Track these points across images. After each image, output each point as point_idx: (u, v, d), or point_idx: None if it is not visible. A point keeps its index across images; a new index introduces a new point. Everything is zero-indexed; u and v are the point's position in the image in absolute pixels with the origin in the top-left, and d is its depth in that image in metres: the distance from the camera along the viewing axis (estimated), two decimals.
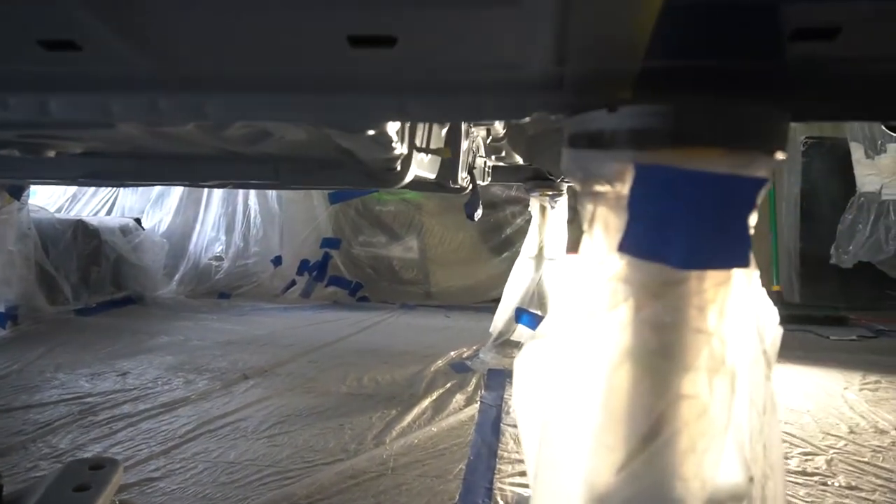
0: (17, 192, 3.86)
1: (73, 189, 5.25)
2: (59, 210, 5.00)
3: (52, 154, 1.08)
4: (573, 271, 0.66)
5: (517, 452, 2.07)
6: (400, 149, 1.02)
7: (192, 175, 1.34)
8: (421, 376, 2.89)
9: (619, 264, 0.62)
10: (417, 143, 1.21)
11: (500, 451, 2.09)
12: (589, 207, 0.64)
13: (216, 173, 1.32)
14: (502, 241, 5.00)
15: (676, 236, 0.59)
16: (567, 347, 0.65)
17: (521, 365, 0.74)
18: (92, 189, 5.25)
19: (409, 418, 2.35)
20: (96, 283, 4.55)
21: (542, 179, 3.25)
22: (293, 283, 4.99)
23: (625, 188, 0.60)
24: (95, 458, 1.45)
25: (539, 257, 3.27)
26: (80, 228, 4.49)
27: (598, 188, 0.63)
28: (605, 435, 0.63)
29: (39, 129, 0.88)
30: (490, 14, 0.53)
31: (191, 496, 1.77)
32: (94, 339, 3.61)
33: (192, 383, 2.81)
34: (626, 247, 0.61)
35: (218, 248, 5.15)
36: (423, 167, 1.41)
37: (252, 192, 4.98)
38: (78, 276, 4.41)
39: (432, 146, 1.47)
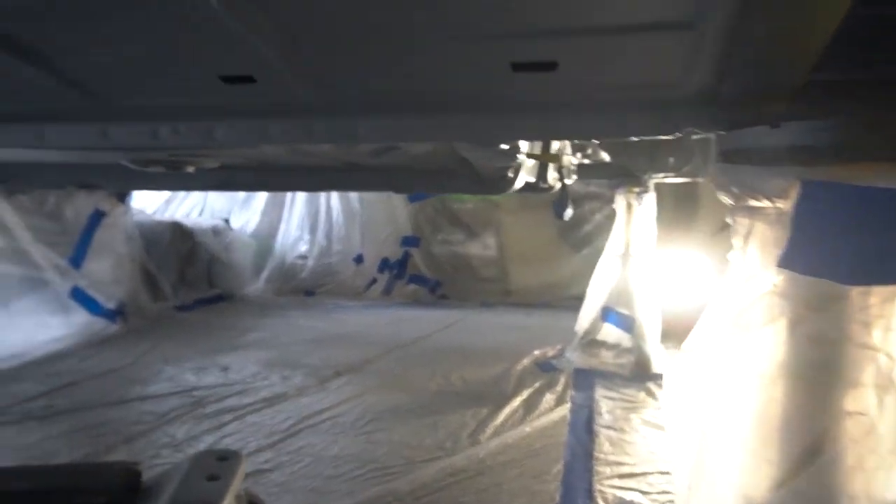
0: (123, 195, 4.13)
1: (167, 194, 5.56)
2: (155, 212, 5.30)
3: (191, 170, 1.17)
4: (725, 286, 0.66)
5: (613, 454, 2.06)
6: (521, 158, 1.05)
7: (314, 185, 1.40)
8: (508, 375, 2.90)
9: (778, 279, 0.62)
10: (527, 149, 1.23)
11: (595, 453, 2.08)
12: (744, 223, 0.64)
13: (336, 183, 1.37)
14: (582, 237, 4.94)
15: (842, 252, 0.58)
16: (721, 361, 0.65)
17: (674, 377, 0.75)
18: (183, 193, 5.53)
19: (501, 417, 2.38)
20: (192, 282, 4.81)
21: (628, 176, 3.19)
22: (374, 280, 5.11)
23: (786, 204, 0.60)
24: (220, 451, 1.54)
25: (626, 255, 3.22)
26: (177, 230, 4.76)
27: (755, 203, 0.63)
28: (763, 449, 0.63)
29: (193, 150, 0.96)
30: (659, 37, 0.55)
31: (301, 488, 1.86)
32: (193, 335, 3.82)
33: (289, 379, 2.93)
34: (786, 262, 0.61)
35: (303, 248, 5.33)
36: (528, 172, 1.43)
37: (334, 192, 5.12)
38: (176, 275, 4.67)
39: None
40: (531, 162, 1.34)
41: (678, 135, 0.66)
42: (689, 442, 0.70)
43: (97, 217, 3.96)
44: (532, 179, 1.57)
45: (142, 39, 0.75)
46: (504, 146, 0.86)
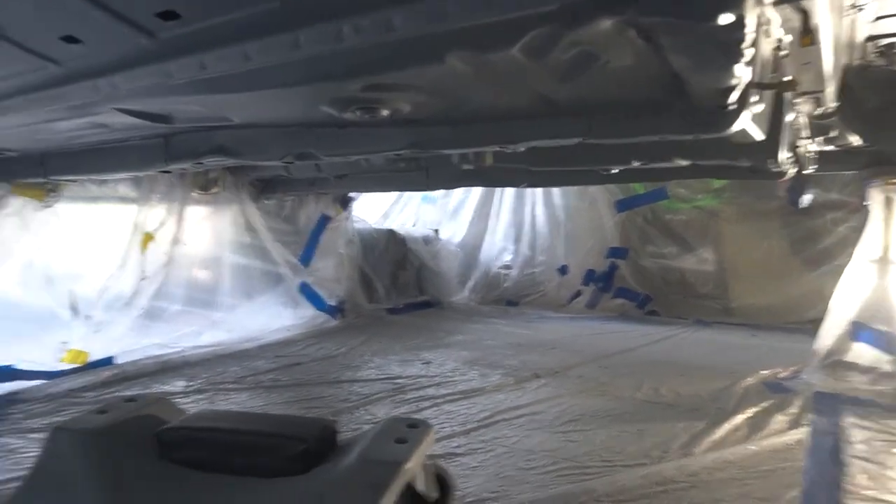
0: (346, 203, 4.52)
1: (386, 206, 5.97)
2: (374, 223, 5.72)
3: (385, 113, 1.17)
4: None
5: (873, 489, 1.66)
6: (743, 72, 0.86)
7: (505, 137, 1.34)
8: (729, 392, 2.54)
9: None
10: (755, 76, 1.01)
11: (845, 485, 1.69)
12: None
13: (528, 133, 1.29)
14: (818, 252, 4.23)
15: None
16: None
17: None
18: (400, 204, 5.90)
19: (720, 433, 2.07)
20: (403, 287, 5.08)
21: (885, 164, 2.65)
22: (578, 293, 4.93)
23: None
24: (411, 419, 1.54)
25: (884, 261, 2.66)
26: (392, 237, 5.08)
27: None
28: None
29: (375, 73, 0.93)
30: None
31: (491, 475, 1.78)
32: (401, 333, 4.00)
33: (487, 376, 2.90)
34: None
35: (507, 258, 5.35)
36: (754, 119, 1.20)
37: (539, 200, 5.07)
38: (389, 279, 4.97)
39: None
40: (757, 107, 1.11)
41: None
42: None
43: (324, 221, 4.37)
44: (758, 135, 1.32)
45: None
46: (725, 17, 0.70)
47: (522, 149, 1.48)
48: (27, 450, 2.02)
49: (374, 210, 5.76)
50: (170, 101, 1.23)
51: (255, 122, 1.46)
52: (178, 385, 2.80)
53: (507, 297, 5.19)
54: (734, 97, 0.97)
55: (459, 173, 2.81)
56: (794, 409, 2.30)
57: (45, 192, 2.80)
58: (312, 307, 4.17)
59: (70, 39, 0.91)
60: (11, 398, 2.53)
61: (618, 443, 2.02)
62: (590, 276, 4.91)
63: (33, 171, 2.36)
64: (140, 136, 1.77)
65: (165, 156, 1.79)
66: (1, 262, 2.80)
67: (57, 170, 2.29)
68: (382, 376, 2.93)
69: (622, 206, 4.75)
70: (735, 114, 1.02)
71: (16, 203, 2.74)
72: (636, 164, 1.92)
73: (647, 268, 4.78)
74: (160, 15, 0.86)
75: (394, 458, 1.29)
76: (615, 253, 4.82)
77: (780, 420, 2.20)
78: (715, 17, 0.72)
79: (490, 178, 3.01)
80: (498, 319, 4.55)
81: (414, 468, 1.34)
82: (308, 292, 4.15)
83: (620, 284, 4.81)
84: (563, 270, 5.06)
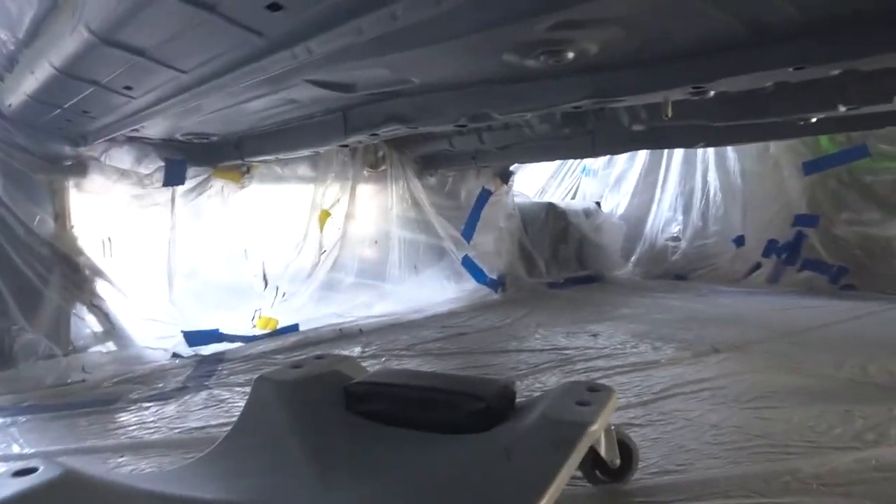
0: (506, 177, 4.51)
1: (543, 180, 5.89)
2: (533, 196, 5.66)
3: (570, 56, 1.12)
4: None
5: None
6: None
7: (700, 76, 1.22)
8: None
9: None
10: None
11: None
12: None
13: (728, 68, 1.17)
14: None
15: None
16: None
17: None
18: (559, 178, 5.79)
19: None
20: (563, 261, 4.99)
21: None
22: (758, 265, 4.50)
23: None
24: (592, 382, 1.49)
25: None
26: (552, 211, 4.99)
27: None
28: None
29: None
30: None
31: (674, 447, 1.68)
32: (564, 307, 3.94)
33: (660, 350, 2.75)
34: None
35: (675, 229, 5.03)
36: None
37: (712, 165, 4.69)
38: (550, 253, 4.90)
39: None
40: None
41: None
42: None
43: (485, 195, 4.41)
44: None
45: None
46: None
47: (713, 93, 1.35)
48: (234, 400, 2.27)
49: (531, 184, 5.71)
50: (356, 67, 1.28)
51: (434, 84, 1.48)
52: (355, 351, 2.99)
53: (674, 270, 4.89)
54: None
55: (628, 136, 2.67)
56: None
57: (241, 174, 3.10)
58: (474, 280, 4.24)
59: (274, 7, 0.98)
60: (219, 357, 2.85)
61: (820, 423, 1.81)
62: (771, 247, 4.45)
63: (231, 154, 2.62)
64: (322, 110, 1.88)
65: (345, 129, 1.89)
66: (207, 239, 3.17)
67: (251, 151, 2.52)
68: (549, 347, 2.90)
69: (811, 167, 4.24)
70: None
71: (217, 184, 3.08)
72: (843, 108, 1.68)
73: (843, 237, 4.23)
74: None
75: (579, 419, 1.25)
76: (803, 221, 4.32)
77: None
78: None
79: (662, 139, 2.82)
80: (666, 294, 4.31)
81: (599, 431, 1.30)
82: (470, 266, 4.22)
83: (809, 256, 4.31)
84: (739, 241, 4.65)
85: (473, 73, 1.39)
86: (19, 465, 1.02)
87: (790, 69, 1.13)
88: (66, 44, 1.31)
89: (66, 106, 1.87)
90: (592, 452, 1.35)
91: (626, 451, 1.46)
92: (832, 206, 4.27)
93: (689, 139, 2.78)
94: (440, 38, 1.09)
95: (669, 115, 1.61)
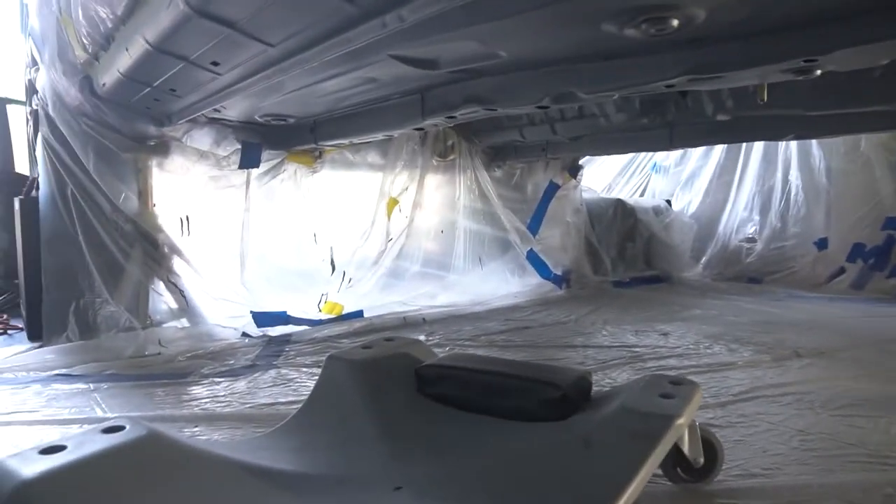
0: (575, 171, 4.42)
1: (611, 176, 5.75)
2: (601, 192, 5.53)
3: (675, 24, 1.06)
4: None
5: None
6: None
7: (813, 47, 1.13)
8: None
9: None
10: None
11: None
12: None
13: (847, 38, 1.07)
14: None
15: None
16: None
17: None
18: (627, 174, 5.64)
19: None
20: (630, 259, 4.85)
21: None
22: (842, 270, 4.25)
23: None
24: (674, 376, 1.42)
25: None
26: (620, 207, 4.86)
27: None
28: None
29: None
30: None
31: (758, 450, 1.59)
32: (630, 305, 3.82)
33: (736, 352, 2.63)
34: None
35: (750, 230, 4.81)
36: None
37: (794, 163, 4.45)
38: (616, 251, 4.78)
39: None
40: None
41: None
42: None
43: (552, 189, 4.33)
44: None
45: None
46: None
47: (819, 72, 1.25)
48: (301, 380, 2.29)
49: (599, 180, 5.58)
50: (445, 38, 1.25)
51: (522, 59, 1.43)
52: (419, 339, 2.98)
53: (748, 273, 4.68)
54: None
55: (710, 127, 2.55)
56: None
57: (314, 158, 3.15)
58: (538, 275, 4.17)
59: None
60: (286, 339, 2.90)
61: None
62: (858, 251, 4.19)
63: (305, 138, 2.65)
64: (400, 91, 1.87)
65: (422, 111, 1.88)
66: (279, 223, 3.23)
67: (325, 135, 2.54)
68: (617, 344, 2.81)
69: None
70: None
71: (290, 168, 3.13)
72: None
73: None
74: None
75: (663, 412, 1.19)
76: (894, 224, 4.05)
77: None
78: None
79: (746, 131, 2.67)
80: (739, 296, 4.12)
81: (684, 425, 1.24)
82: (535, 260, 4.16)
83: None
84: (821, 244, 4.40)
85: (565, 47, 1.34)
86: (107, 423, 1.06)
87: None
88: (162, 18, 1.34)
89: (155, 84, 1.93)
90: (675, 449, 1.29)
91: (711, 449, 1.38)
92: None
93: (778, 131, 2.62)
94: (539, 2, 1.05)
95: (765, 98, 1.51)
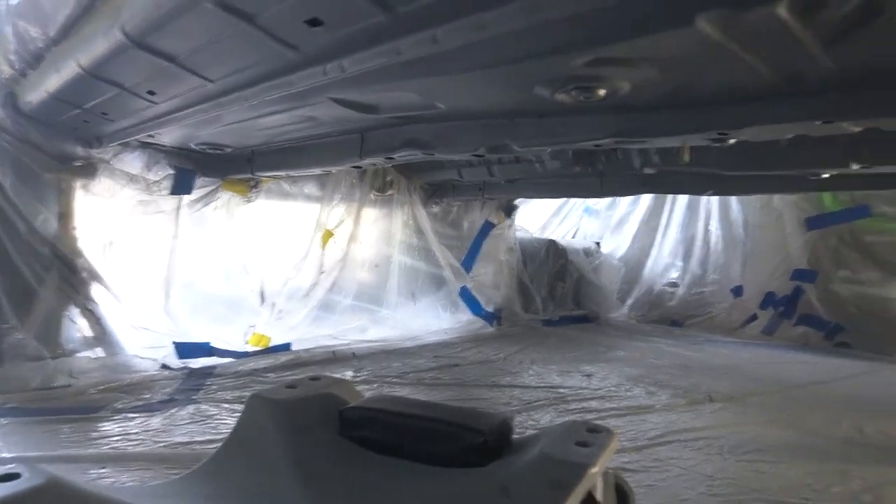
0: (510, 211, 4.53)
1: (545, 217, 5.90)
2: (534, 232, 5.67)
3: (601, 93, 1.13)
4: None
5: None
6: None
7: (727, 122, 1.23)
8: None
9: None
10: None
11: None
12: None
13: (758, 116, 1.18)
14: None
15: None
16: None
17: None
18: (561, 216, 5.81)
19: None
20: (560, 298, 4.97)
21: None
22: (754, 317, 4.50)
23: None
24: (591, 423, 1.47)
25: None
26: (552, 248, 4.99)
27: None
28: None
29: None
30: None
31: (670, 496, 1.66)
32: (558, 345, 3.91)
33: (654, 395, 2.73)
34: None
35: (673, 275, 5.04)
36: None
37: (715, 214, 4.72)
38: (547, 290, 4.89)
39: None
40: None
41: None
42: None
43: (487, 227, 4.42)
44: None
45: None
46: None
47: (733, 141, 1.36)
48: (220, 417, 2.22)
49: (534, 220, 5.72)
50: (385, 88, 1.29)
51: (460, 111, 1.48)
52: (347, 375, 2.95)
53: (670, 316, 4.89)
54: None
55: (638, 179, 2.69)
56: None
57: (249, 187, 3.10)
58: (470, 312, 4.22)
59: (314, 22, 0.98)
60: (208, 371, 2.81)
61: (818, 481, 1.79)
62: (769, 300, 4.46)
63: (242, 168, 2.62)
64: (340, 130, 1.89)
65: (361, 150, 1.90)
66: (208, 251, 3.15)
67: (263, 166, 2.52)
68: (543, 384, 2.87)
69: (815, 223, 4.27)
70: None
71: (224, 196, 3.07)
72: (855, 166, 1.69)
73: (840, 294, 4.24)
74: None
75: (579, 460, 1.23)
76: (801, 276, 4.34)
77: None
78: None
79: (671, 184, 2.84)
80: (661, 339, 4.29)
81: (598, 474, 1.27)
82: (468, 297, 4.21)
83: (805, 311, 4.32)
84: (737, 291, 4.66)
85: (500, 104, 1.40)
86: (1, 469, 1.00)
87: (817, 122, 1.14)
88: (98, 44, 1.31)
89: (86, 106, 1.87)
90: (589, 496, 1.32)
91: (623, 496, 1.43)
92: (832, 262, 4.29)
93: (699, 186, 2.80)
94: (477, 65, 1.10)
95: (688, 160, 1.61)
